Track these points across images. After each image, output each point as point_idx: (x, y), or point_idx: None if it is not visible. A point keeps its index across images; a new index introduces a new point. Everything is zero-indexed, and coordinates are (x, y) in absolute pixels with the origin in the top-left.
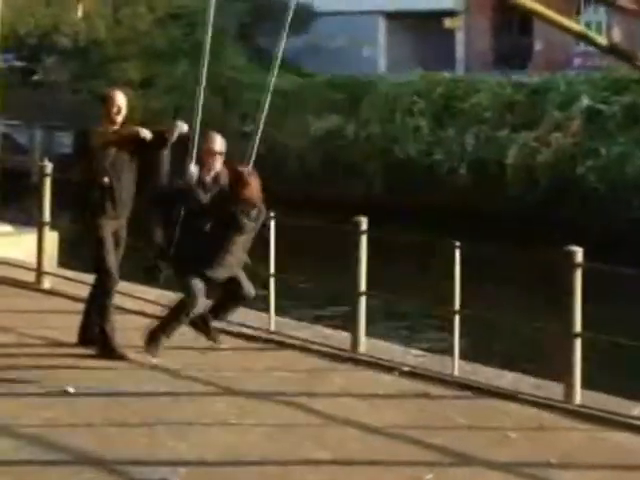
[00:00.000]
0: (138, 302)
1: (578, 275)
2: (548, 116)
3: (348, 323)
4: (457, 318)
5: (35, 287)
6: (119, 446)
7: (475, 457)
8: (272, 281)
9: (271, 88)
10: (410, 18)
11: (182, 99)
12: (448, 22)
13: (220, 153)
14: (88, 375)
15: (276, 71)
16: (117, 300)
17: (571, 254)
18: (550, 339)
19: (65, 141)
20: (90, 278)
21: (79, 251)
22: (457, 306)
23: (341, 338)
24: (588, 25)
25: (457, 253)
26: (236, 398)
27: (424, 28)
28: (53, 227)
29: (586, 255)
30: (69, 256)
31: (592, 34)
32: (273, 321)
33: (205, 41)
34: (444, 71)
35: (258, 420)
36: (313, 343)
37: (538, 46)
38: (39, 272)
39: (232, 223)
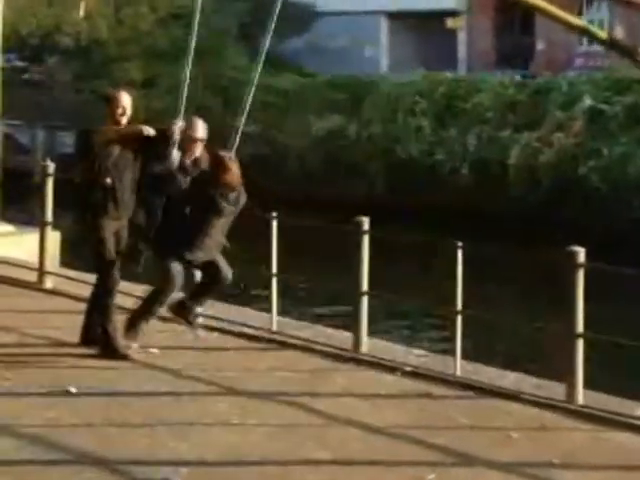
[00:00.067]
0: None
1: (580, 275)
2: (550, 116)
3: (350, 323)
4: (459, 318)
5: (37, 287)
6: (121, 446)
7: (477, 457)
8: (274, 281)
9: (255, 82)
10: (412, 18)
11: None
12: (451, 22)
13: (202, 140)
14: (90, 375)
15: (260, 66)
16: (119, 300)
17: (573, 254)
18: (552, 339)
19: (67, 141)
20: (92, 278)
21: (81, 251)
22: (459, 306)
23: (343, 338)
24: (591, 22)
25: (459, 253)
26: (238, 398)
27: (426, 28)
28: (55, 227)
29: (588, 255)
30: (71, 256)
31: (593, 29)
32: (275, 321)
33: (191, 38)
34: (446, 71)
35: (260, 420)
36: (315, 343)
37: (540, 46)
38: (41, 272)
39: (211, 206)
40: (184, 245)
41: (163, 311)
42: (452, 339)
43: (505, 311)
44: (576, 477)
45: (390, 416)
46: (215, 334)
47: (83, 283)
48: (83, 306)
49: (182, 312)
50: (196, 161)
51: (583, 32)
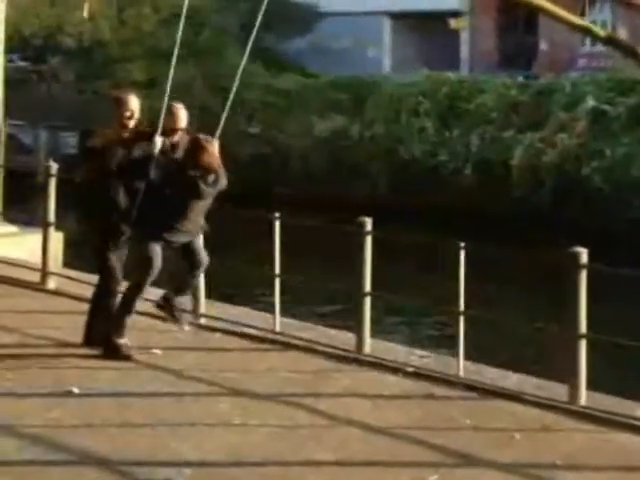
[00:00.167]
0: (143, 303)
1: (583, 276)
2: (553, 117)
3: (353, 323)
4: (462, 319)
5: (40, 287)
6: (123, 446)
7: (479, 458)
8: (277, 282)
9: (239, 71)
10: (415, 18)
11: (187, 99)
12: (454, 23)
13: (182, 130)
14: (92, 375)
15: (246, 56)
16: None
17: (576, 255)
18: (554, 340)
19: (70, 141)
20: (94, 278)
21: (84, 251)
22: (462, 307)
23: (346, 339)
24: (593, 23)
25: (462, 254)
26: (240, 399)
27: (429, 28)
28: (58, 227)
29: (590, 256)
30: (74, 256)
31: (595, 28)
32: (278, 322)
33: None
34: (449, 71)
35: (262, 421)
36: (318, 344)
37: (543, 46)
38: (44, 272)
39: (191, 189)
40: (164, 227)
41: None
42: (455, 339)
43: (508, 311)
44: (578, 478)
45: (392, 417)
46: (218, 334)
47: (85, 284)
48: (86, 306)
49: (167, 307)
50: (175, 144)
51: (585, 32)
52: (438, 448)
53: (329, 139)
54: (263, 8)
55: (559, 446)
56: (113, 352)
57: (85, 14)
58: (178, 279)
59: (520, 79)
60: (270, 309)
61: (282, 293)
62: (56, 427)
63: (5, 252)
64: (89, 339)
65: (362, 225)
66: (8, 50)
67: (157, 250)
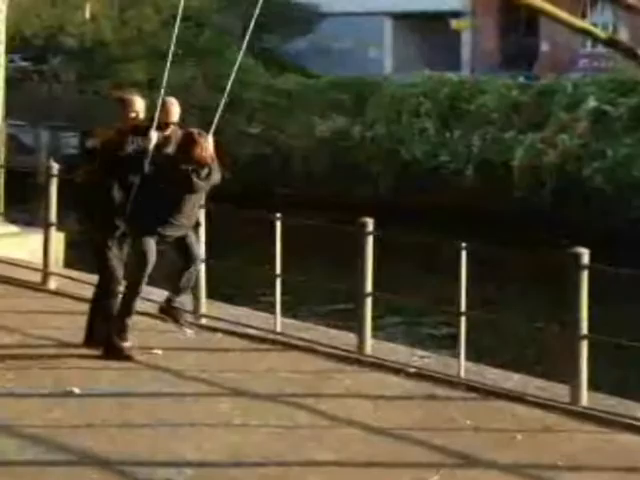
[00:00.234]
0: (143, 303)
1: (584, 277)
2: (554, 118)
3: (354, 324)
4: (463, 319)
5: (41, 287)
6: (123, 447)
7: (481, 459)
8: (278, 282)
9: (235, 68)
10: (416, 19)
11: (189, 99)
12: (457, 23)
13: (174, 124)
14: (93, 376)
15: (241, 54)
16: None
17: (577, 256)
18: (556, 340)
19: (71, 142)
20: (95, 279)
21: (85, 252)
22: (463, 307)
23: (347, 339)
24: (595, 25)
25: (463, 254)
26: (241, 399)
27: (430, 29)
28: (59, 228)
29: (591, 256)
30: (75, 257)
31: (594, 29)
32: (279, 322)
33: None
34: (450, 72)
35: (263, 421)
36: (319, 344)
37: (544, 47)
38: (45, 272)
39: (184, 183)
40: (158, 222)
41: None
42: (456, 340)
43: (509, 312)
44: (580, 478)
45: (393, 417)
46: (219, 335)
47: (87, 284)
48: (86, 307)
49: (171, 311)
50: (167, 138)
51: (586, 33)
52: (439, 449)
53: (330, 139)
54: (258, 8)
55: (560, 447)
56: (114, 352)
57: (87, 14)
58: (176, 278)
59: (521, 80)
60: (271, 309)
61: (283, 293)
62: (57, 427)
63: (6, 252)
64: (90, 339)
65: (363, 225)
66: (9, 50)
67: (152, 245)
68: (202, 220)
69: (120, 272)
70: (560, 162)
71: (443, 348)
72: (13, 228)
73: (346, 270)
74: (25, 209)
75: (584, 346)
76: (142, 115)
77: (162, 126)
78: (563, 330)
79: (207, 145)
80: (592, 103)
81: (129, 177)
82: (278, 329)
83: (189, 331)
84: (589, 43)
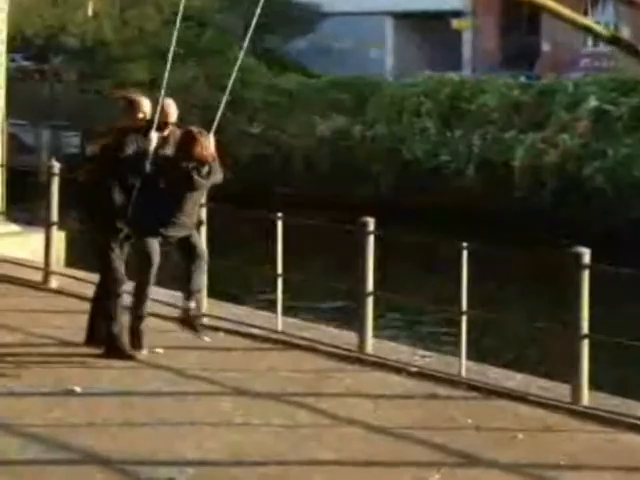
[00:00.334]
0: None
1: (585, 276)
2: (555, 117)
3: (355, 323)
4: (464, 319)
5: (42, 286)
6: (125, 446)
7: (482, 458)
8: (280, 281)
9: (236, 67)
10: (417, 19)
11: (191, 99)
12: (457, 23)
13: (172, 124)
14: (94, 375)
15: (242, 54)
16: (126, 301)
17: (578, 255)
18: (557, 340)
19: (73, 141)
20: (97, 278)
21: (86, 251)
22: (464, 307)
23: (348, 338)
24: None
25: (464, 254)
26: (242, 398)
27: (431, 29)
28: (60, 227)
29: (592, 256)
30: (76, 256)
31: (596, 26)
32: (280, 321)
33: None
34: (451, 72)
35: (264, 420)
36: (320, 343)
37: (545, 47)
38: (46, 271)
39: (184, 181)
40: (160, 222)
41: (165, 311)
42: (457, 339)
43: (510, 312)
44: (581, 478)
45: (394, 416)
46: (220, 334)
47: (89, 283)
48: (88, 306)
49: (189, 321)
50: (166, 139)
51: (588, 31)
52: (440, 448)
53: (331, 139)
54: (259, 7)
55: (562, 446)
56: (115, 351)
57: (90, 13)
58: (185, 281)
59: (522, 79)
60: (272, 309)
61: (284, 293)
62: (58, 426)
63: (8, 251)
64: (91, 338)
65: (364, 225)
66: (11, 50)
67: (155, 246)
68: (204, 218)
69: (122, 272)
70: (561, 162)
71: (444, 347)
72: (14, 227)
73: (347, 269)
74: (26, 208)
75: (585, 346)
76: (148, 117)
77: (161, 126)
78: (564, 330)
79: (207, 143)
80: (593, 103)
81: (129, 178)
82: (279, 328)
83: (207, 339)
84: (590, 43)
